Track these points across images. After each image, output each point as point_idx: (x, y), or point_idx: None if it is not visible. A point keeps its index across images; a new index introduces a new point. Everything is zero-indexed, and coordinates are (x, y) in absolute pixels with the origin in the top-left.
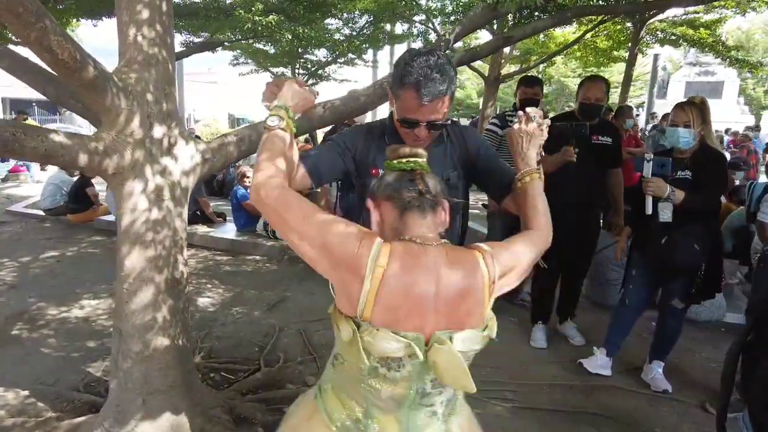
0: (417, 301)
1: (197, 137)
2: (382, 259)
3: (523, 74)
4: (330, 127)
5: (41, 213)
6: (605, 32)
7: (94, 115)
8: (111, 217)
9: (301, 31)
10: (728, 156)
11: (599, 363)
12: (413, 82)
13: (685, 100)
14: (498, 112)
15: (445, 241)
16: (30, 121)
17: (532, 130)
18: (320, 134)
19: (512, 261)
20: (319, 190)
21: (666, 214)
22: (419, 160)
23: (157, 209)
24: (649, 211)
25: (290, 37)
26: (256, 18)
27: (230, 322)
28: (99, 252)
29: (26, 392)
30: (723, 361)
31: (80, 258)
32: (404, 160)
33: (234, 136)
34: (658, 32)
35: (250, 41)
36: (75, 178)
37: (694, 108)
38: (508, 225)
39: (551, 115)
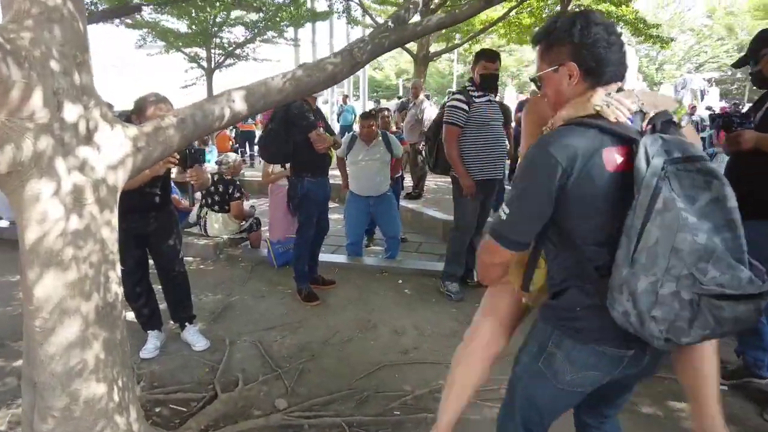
0: None
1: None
2: None
3: (483, 49)
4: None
5: None
6: (529, 9)
7: None
8: (3, 223)
9: None
10: None
11: None
12: None
13: None
14: (456, 88)
15: None
16: None
17: None
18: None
19: None
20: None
21: None
22: None
23: (76, 217)
24: None
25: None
26: None
27: (169, 339)
28: None
29: None
30: None
31: None
32: None
33: (173, 117)
34: (583, 8)
35: (160, 13)
36: None
37: None
38: (478, 208)
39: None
